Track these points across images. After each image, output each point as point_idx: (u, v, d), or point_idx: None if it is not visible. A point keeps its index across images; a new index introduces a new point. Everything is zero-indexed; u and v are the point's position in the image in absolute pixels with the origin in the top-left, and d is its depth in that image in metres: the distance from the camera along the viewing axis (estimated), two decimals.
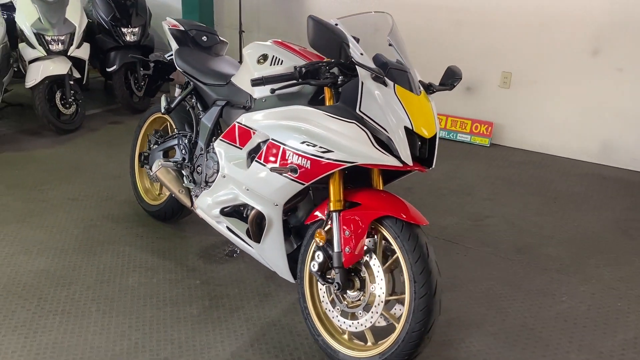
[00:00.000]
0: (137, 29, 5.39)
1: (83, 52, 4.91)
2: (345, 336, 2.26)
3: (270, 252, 2.44)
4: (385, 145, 2.01)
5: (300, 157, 2.15)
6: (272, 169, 2.20)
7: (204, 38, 3.15)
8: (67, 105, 4.82)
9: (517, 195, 4.02)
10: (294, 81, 2.10)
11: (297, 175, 2.17)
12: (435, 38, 5.17)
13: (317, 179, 2.14)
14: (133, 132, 3.53)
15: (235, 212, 2.59)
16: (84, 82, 5.10)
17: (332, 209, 2.15)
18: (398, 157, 2.00)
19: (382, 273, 2.08)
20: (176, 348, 2.30)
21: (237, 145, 2.47)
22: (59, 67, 4.67)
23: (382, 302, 2.07)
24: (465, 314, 2.63)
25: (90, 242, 3.10)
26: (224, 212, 2.60)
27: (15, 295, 2.59)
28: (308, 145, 2.11)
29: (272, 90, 2.14)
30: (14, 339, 2.30)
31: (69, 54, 4.74)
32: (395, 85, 2.05)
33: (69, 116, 4.87)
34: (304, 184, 2.18)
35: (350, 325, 2.18)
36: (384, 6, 5.27)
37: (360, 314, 2.15)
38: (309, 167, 2.13)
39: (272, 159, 2.25)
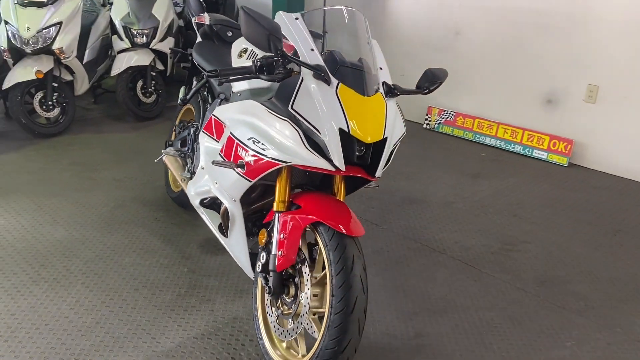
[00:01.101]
0: (147, 31, 5.42)
1: (165, 45, 5.23)
2: (285, 344, 2.16)
3: (235, 247, 2.42)
4: (319, 147, 1.89)
5: (246, 153, 2.10)
6: (213, 163, 2.17)
7: (229, 33, 3.20)
8: (147, 95, 5.19)
9: (572, 222, 3.56)
10: (250, 75, 2.05)
11: (244, 171, 2.12)
12: (519, 44, 4.75)
13: (262, 177, 2.08)
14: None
15: (213, 204, 2.61)
16: (168, 74, 5.44)
17: (274, 209, 2.07)
18: (331, 161, 1.87)
19: (311, 282, 1.96)
20: (132, 329, 2.37)
21: (215, 137, 2.47)
22: (142, 58, 5.03)
23: (306, 312, 1.95)
24: (440, 343, 2.39)
25: (110, 220, 3.30)
26: (203, 204, 2.63)
27: (23, 259, 2.84)
28: (254, 141, 2.06)
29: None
30: (1, 298, 2.52)
31: (151, 46, 5.10)
32: (340, 84, 1.91)
33: (148, 105, 5.23)
34: (250, 181, 2.13)
35: (281, 333, 2.08)
36: (466, 8, 4.97)
37: (289, 322, 2.05)
38: (252, 164, 2.07)
39: (230, 153, 2.23)
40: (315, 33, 2.15)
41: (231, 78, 2.08)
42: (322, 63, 1.95)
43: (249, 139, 2.08)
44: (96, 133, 4.88)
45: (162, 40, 5.20)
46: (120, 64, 4.99)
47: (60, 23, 4.48)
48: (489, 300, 2.70)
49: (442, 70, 2.20)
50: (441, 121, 5.36)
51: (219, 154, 2.31)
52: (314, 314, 2.03)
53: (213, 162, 2.20)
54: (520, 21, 4.70)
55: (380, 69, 2.12)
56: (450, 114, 5.30)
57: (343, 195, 2.14)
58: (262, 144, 2.01)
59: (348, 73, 1.97)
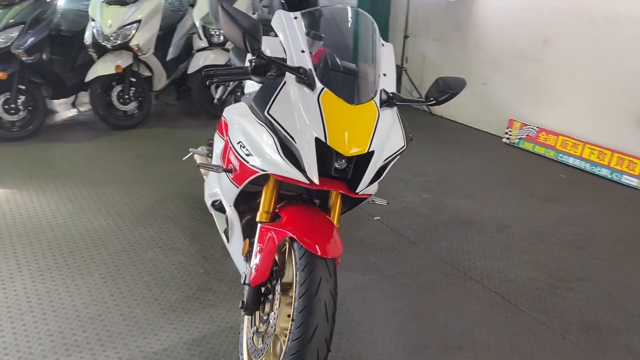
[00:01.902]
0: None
1: None
2: None
3: (234, 253, 2.33)
4: (295, 156, 1.74)
5: (235, 158, 2.00)
6: (198, 165, 2.09)
7: (272, 33, 3.12)
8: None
9: None
10: (246, 75, 1.95)
11: (232, 176, 2.02)
12: (614, 55, 4.22)
13: (253, 183, 1.97)
14: None
15: (222, 207, 2.54)
16: None
17: (257, 219, 1.95)
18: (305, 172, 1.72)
19: (281, 301, 1.82)
20: (129, 326, 2.37)
21: (224, 138, 2.40)
22: (217, 57, 5.13)
23: (272, 334, 1.81)
24: None
25: (148, 214, 3.36)
26: (214, 206, 2.57)
27: (57, 244, 2.96)
28: (241, 146, 1.96)
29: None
30: (23, 279, 2.64)
31: (226, 46, 5.18)
32: (324, 90, 1.75)
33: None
34: (238, 187, 2.03)
35: (253, 352, 1.96)
36: (558, 14, 4.52)
37: (259, 341, 1.92)
38: (238, 169, 1.97)
39: (224, 156, 2.15)
40: (317, 35, 2.00)
41: (227, 78, 1.99)
42: (309, 66, 1.80)
43: (237, 143, 1.98)
44: (168, 128, 5.05)
45: None
46: (197, 62, 5.13)
47: (139, 21, 4.67)
48: (515, 342, 2.38)
49: (457, 80, 1.96)
50: (522, 136, 4.92)
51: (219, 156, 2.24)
52: (286, 336, 1.88)
53: (198, 165, 2.13)
54: (617, 30, 4.17)
55: (384, 75, 1.93)
56: (532, 128, 4.85)
57: (338, 210, 1.98)
58: (247, 149, 1.91)
59: (338, 78, 1.81)
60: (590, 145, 4.42)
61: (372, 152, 1.75)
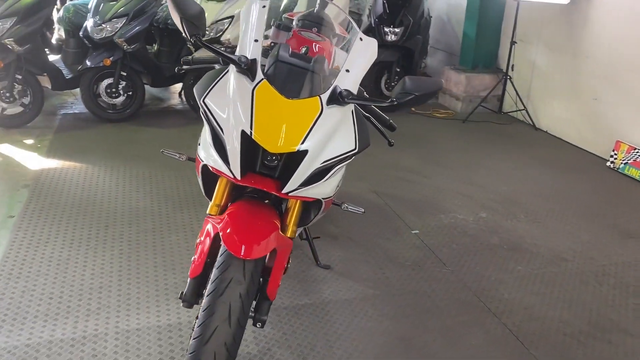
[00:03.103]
0: (399, 30, 5.43)
1: None
2: None
3: None
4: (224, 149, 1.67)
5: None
6: (162, 151, 2.09)
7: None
8: None
9: None
10: (215, 63, 1.93)
11: (195, 165, 2.00)
12: None
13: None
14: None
15: None
16: None
17: (207, 211, 1.91)
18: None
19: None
20: (120, 301, 2.47)
21: None
22: None
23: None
24: None
25: (191, 200, 3.48)
26: None
27: (99, 217, 3.18)
28: (199, 135, 1.93)
29: None
30: (55, 244, 2.87)
31: None
32: (263, 81, 1.66)
33: None
34: (199, 178, 2.00)
35: None
36: None
37: None
38: (195, 161, 1.94)
39: None
40: (284, 25, 1.90)
41: (200, 65, 1.98)
42: (256, 56, 1.71)
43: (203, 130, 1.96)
44: None
45: None
46: None
47: (232, 17, 4.86)
48: None
49: (426, 81, 1.74)
50: (628, 161, 4.27)
51: None
52: None
53: (162, 151, 2.13)
54: None
55: (347, 71, 1.77)
56: None
57: (295, 213, 1.87)
58: (200, 138, 1.88)
59: (283, 70, 1.71)
60: None
61: (305, 151, 1.62)
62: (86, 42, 4.82)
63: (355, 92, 1.76)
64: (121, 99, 4.84)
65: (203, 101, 1.73)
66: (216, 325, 1.57)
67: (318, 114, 1.65)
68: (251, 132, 1.60)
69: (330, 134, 1.67)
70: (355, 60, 1.81)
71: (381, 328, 2.38)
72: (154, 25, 5.07)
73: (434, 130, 5.13)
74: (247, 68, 1.69)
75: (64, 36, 5.47)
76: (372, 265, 2.86)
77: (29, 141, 4.35)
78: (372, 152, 4.40)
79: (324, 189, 1.79)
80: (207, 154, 1.75)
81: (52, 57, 5.48)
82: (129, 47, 4.68)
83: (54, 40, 5.70)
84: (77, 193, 3.47)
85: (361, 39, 1.87)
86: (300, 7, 5.27)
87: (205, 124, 1.73)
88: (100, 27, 4.63)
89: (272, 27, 2.03)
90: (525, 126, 5.37)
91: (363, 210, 2.10)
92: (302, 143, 1.62)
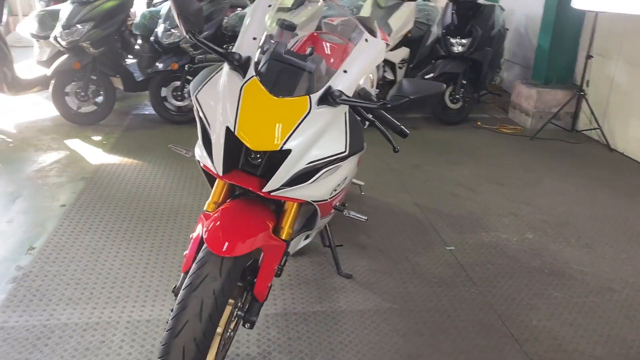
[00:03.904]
0: (466, 41, 5.26)
1: (396, 55, 5.20)
2: None
3: None
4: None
5: None
6: (170, 146, 2.12)
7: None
8: None
9: None
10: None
11: None
12: None
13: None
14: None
15: None
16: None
17: (205, 207, 1.93)
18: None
19: None
20: (139, 293, 2.55)
21: None
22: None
23: None
24: None
25: None
26: None
27: (139, 211, 3.31)
28: None
29: None
30: (94, 234, 3.02)
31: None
32: (253, 79, 1.65)
33: None
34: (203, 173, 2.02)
35: None
36: None
37: None
38: None
39: None
40: (288, 25, 1.88)
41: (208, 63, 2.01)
42: (251, 54, 1.71)
43: None
44: None
45: (393, 49, 5.19)
46: None
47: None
48: None
49: (423, 84, 1.66)
50: None
51: None
52: None
53: (170, 146, 2.16)
54: None
55: (345, 72, 1.73)
56: None
57: (293, 214, 1.85)
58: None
59: (274, 68, 1.69)
60: None
61: (289, 150, 1.59)
62: (157, 47, 5.06)
63: (350, 93, 1.71)
64: (186, 102, 5.03)
65: (195, 97, 1.75)
66: (187, 319, 1.57)
67: (305, 114, 1.62)
68: (235, 129, 1.60)
69: (317, 135, 1.63)
70: (354, 61, 1.76)
71: (390, 343, 2.29)
72: (222, 33, 5.24)
73: (497, 146, 4.90)
74: (240, 65, 1.69)
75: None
76: (395, 278, 2.76)
77: (97, 138, 4.62)
78: (422, 164, 4.29)
79: (313, 192, 1.74)
80: (198, 150, 1.77)
81: (130, 61, 5.84)
82: (194, 52, 4.86)
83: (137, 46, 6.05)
84: (127, 188, 3.64)
85: (366, 40, 1.81)
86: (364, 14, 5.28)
87: (197, 120, 1.75)
88: (169, 32, 4.85)
89: (277, 27, 2.03)
90: (599, 146, 4.99)
91: (366, 218, 2.03)
92: (286, 142, 1.59)
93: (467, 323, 2.45)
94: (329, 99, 1.66)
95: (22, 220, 3.17)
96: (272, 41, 1.84)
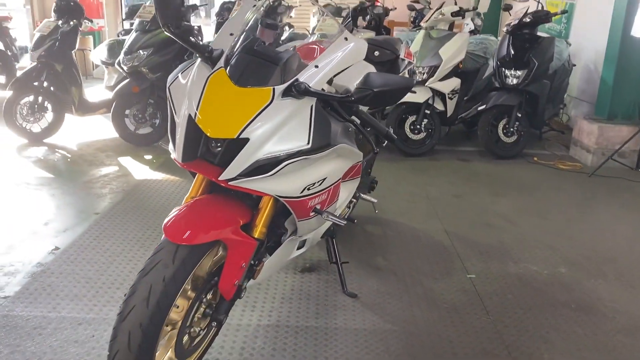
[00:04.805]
0: (520, 73, 5.08)
1: (445, 86, 5.10)
2: None
3: None
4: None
5: None
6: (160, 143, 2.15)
7: (376, 53, 3.00)
8: (416, 132, 5.17)
9: None
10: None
11: None
12: None
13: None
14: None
15: None
16: (448, 115, 5.27)
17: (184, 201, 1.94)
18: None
19: None
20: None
21: None
22: (417, 95, 5.05)
23: None
24: None
25: None
26: None
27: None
28: None
29: None
30: (114, 242, 3.13)
31: (426, 84, 5.06)
32: (220, 70, 1.68)
33: (416, 141, 5.20)
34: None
35: None
36: None
37: None
38: None
39: None
40: (271, 24, 1.90)
41: None
42: (223, 47, 1.74)
43: None
44: (438, 160, 5.11)
45: (442, 79, 5.10)
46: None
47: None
48: None
49: (391, 78, 1.60)
50: None
51: None
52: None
53: (161, 143, 2.20)
54: None
55: (316, 67, 1.71)
56: None
57: (267, 212, 1.83)
58: None
59: (244, 61, 1.70)
60: None
61: (247, 139, 1.58)
62: None
63: (319, 88, 1.68)
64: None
65: (168, 88, 1.79)
66: (134, 304, 1.57)
67: (267, 104, 1.61)
68: (195, 116, 1.61)
69: (278, 126, 1.62)
70: (328, 57, 1.74)
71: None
72: None
73: (549, 181, 4.62)
74: (211, 58, 1.72)
75: None
76: (403, 301, 2.62)
77: (148, 157, 4.84)
78: (463, 194, 4.12)
79: (278, 186, 1.71)
80: (170, 142, 1.80)
81: None
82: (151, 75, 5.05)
83: None
84: (160, 202, 3.76)
85: (346, 39, 1.79)
86: (414, 48, 5.26)
87: (168, 111, 1.79)
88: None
89: (259, 25, 2.04)
90: (629, 174, 4.59)
91: (344, 223, 1.95)
92: (244, 130, 1.58)
93: (468, 350, 2.27)
94: (293, 90, 1.64)
95: (57, 223, 3.35)
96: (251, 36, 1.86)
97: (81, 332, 2.28)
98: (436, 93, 5.15)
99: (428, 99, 5.09)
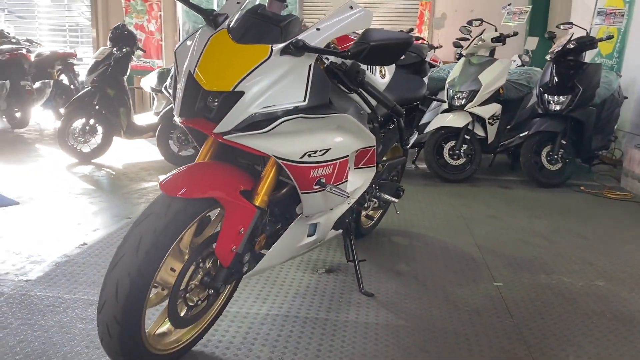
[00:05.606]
0: (564, 98, 4.94)
1: (485, 111, 5.01)
2: None
3: None
4: None
5: None
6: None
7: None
8: (455, 157, 5.07)
9: None
10: None
11: None
12: None
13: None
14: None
15: None
16: (489, 141, 5.16)
17: None
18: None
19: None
20: None
21: None
22: (455, 120, 5.00)
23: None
24: None
25: None
26: None
27: None
28: None
29: None
30: None
31: (465, 109, 4.99)
32: (222, 30, 1.72)
33: (455, 167, 5.09)
34: None
35: None
36: None
37: None
38: None
39: None
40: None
41: None
42: (228, 12, 1.81)
43: None
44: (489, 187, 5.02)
45: (482, 104, 5.02)
46: (435, 123, 5.10)
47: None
48: None
49: (389, 33, 1.59)
50: None
51: None
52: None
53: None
54: None
55: (318, 29, 1.72)
56: None
57: (269, 181, 1.83)
58: None
59: (244, 22, 1.75)
60: None
61: (242, 93, 1.59)
62: None
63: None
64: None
65: (174, 52, 1.84)
66: (124, 253, 1.57)
67: (264, 59, 1.62)
68: (194, 72, 1.65)
69: (275, 82, 1.62)
70: (331, 20, 1.74)
71: (384, 355, 2.04)
72: None
73: (595, 207, 4.39)
74: (215, 21, 1.77)
75: None
76: (422, 302, 2.50)
77: None
78: (500, 215, 3.97)
79: (276, 146, 1.70)
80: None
81: None
82: None
83: None
84: None
85: (351, 7, 1.80)
86: (454, 74, 5.24)
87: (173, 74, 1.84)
88: None
89: None
90: None
91: (348, 195, 1.90)
92: (239, 84, 1.60)
93: (485, 348, 2.12)
94: (291, 47, 1.65)
95: (89, 224, 3.44)
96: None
97: (91, 311, 2.29)
98: (476, 118, 5.07)
99: (467, 124, 5.01)
